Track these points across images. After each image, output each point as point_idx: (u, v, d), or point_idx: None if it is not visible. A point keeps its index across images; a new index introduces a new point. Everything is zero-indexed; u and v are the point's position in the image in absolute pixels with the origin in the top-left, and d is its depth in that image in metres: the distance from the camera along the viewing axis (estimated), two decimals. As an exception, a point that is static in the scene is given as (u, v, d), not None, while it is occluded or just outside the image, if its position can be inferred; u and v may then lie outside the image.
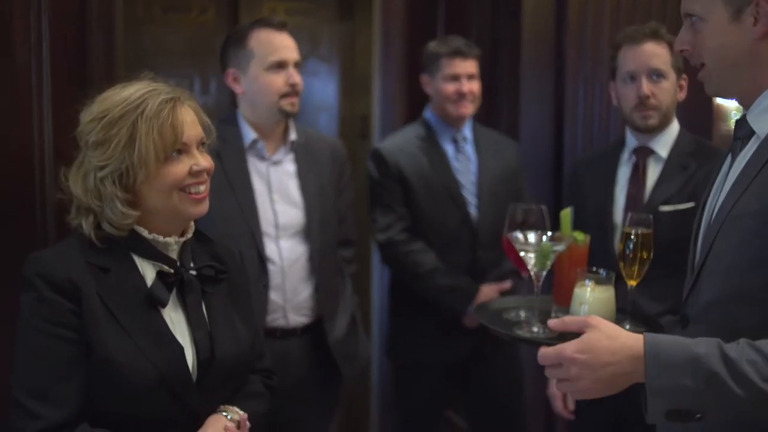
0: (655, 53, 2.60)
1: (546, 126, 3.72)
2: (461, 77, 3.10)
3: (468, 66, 3.12)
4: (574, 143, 3.66)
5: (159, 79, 1.83)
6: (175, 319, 1.77)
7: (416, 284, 3.10)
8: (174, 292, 1.78)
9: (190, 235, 1.85)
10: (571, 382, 1.49)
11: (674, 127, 2.69)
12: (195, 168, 1.77)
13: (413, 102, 3.97)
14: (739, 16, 1.57)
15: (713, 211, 1.66)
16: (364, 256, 4.19)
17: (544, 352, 1.52)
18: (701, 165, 2.59)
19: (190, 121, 1.78)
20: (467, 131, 3.21)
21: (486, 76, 3.21)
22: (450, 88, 3.11)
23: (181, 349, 1.72)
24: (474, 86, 3.14)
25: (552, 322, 1.57)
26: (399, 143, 3.18)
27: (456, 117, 3.14)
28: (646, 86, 2.58)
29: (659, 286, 2.38)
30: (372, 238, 3.33)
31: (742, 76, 1.61)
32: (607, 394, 1.51)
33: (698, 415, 1.42)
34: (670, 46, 2.61)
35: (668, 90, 2.62)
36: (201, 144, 1.81)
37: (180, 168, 1.75)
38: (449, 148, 3.18)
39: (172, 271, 1.78)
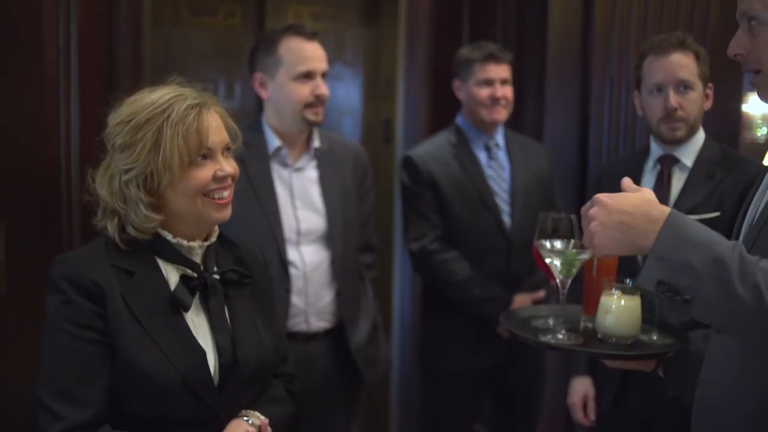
0: (683, 64, 2.56)
1: (571, 132, 3.70)
2: (495, 82, 3.09)
3: (501, 71, 3.11)
4: (599, 149, 3.64)
5: (186, 84, 1.84)
6: (197, 323, 1.77)
7: (450, 293, 3.09)
8: (197, 296, 1.78)
9: (214, 239, 1.86)
10: (588, 222, 1.54)
11: (700, 135, 2.66)
12: (219, 173, 1.77)
13: (437, 107, 3.97)
14: None
15: (754, 217, 1.63)
16: (386, 261, 4.19)
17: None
18: (727, 174, 2.56)
19: (216, 127, 1.78)
20: (499, 137, 3.20)
21: (512, 81, 3.19)
22: (483, 93, 3.09)
23: (203, 353, 1.73)
24: (507, 91, 3.12)
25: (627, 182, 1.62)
26: (431, 150, 3.16)
27: (489, 122, 3.12)
28: (673, 98, 2.55)
29: None
30: (403, 245, 3.32)
31: None
32: (614, 249, 1.51)
33: (687, 297, 1.41)
34: (697, 55, 2.59)
35: (695, 101, 2.59)
36: (226, 149, 1.82)
37: (204, 173, 1.76)
38: (482, 155, 3.16)
39: (195, 275, 1.78)
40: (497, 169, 3.15)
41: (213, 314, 1.80)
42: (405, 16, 4.10)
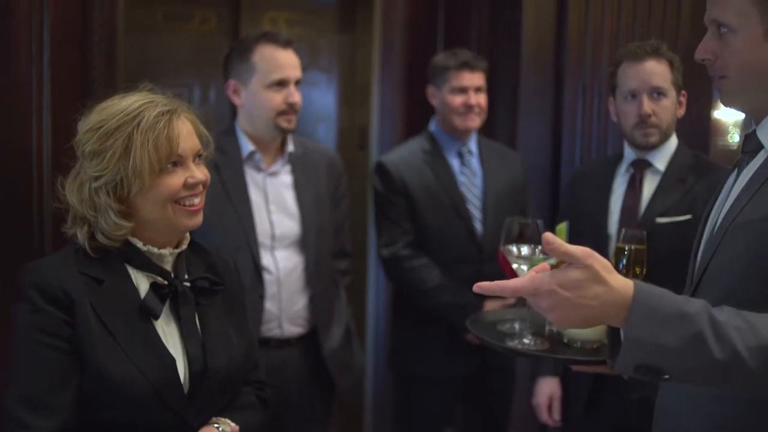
0: (657, 71, 2.61)
1: (544, 139, 3.73)
2: (469, 89, 3.11)
3: (476, 78, 3.13)
4: (572, 156, 3.68)
5: (158, 90, 1.84)
6: (168, 330, 1.77)
7: (420, 300, 3.10)
8: (167, 303, 1.78)
9: (185, 246, 1.86)
10: (544, 311, 1.38)
11: (673, 141, 2.70)
12: (190, 180, 1.77)
13: (412, 114, 3.99)
14: None
15: (716, 222, 1.66)
16: (360, 267, 4.20)
17: (518, 282, 1.39)
18: (699, 178, 2.61)
19: (187, 134, 1.78)
20: (473, 144, 3.22)
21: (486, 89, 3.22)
22: (457, 100, 3.11)
23: (172, 360, 1.73)
24: (481, 99, 3.14)
25: (547, 237, 1.37)
26: (404, 156, 3.18)
27: (462, 130, 3.14)
28: (647, 105, 2.59)
29: None
30: (376, 251, 3.33)
31: (762, 92, 1.60)
32: (575, 328, 1.42)
33: (666, 376, 1.36)
34: (671, 63, 2.63)
35: (669, 108, 2.63)
36: (198, 156, 1.82)
37: (175, 180, 1.76)
38: (454, 162, 3.18)
39: (165, 282, 1.78)
40: (469, 176, 3.17)
41: (183, 322, 1.79)
42: (380, 22, 4.11)
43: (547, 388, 2.84)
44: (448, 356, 3.10)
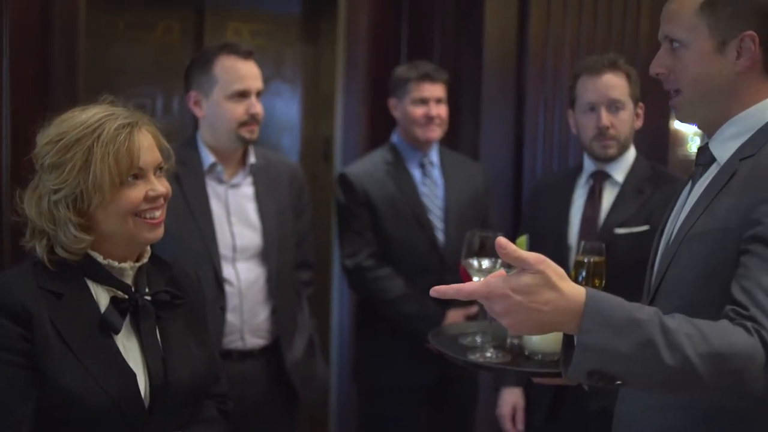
0: (614, 84, 2.66)
1: (506, 149, 3.77)
2: (430, 101, 3.13)
3: (436, 90, 3.15)
4: (533, 166, 3.72)
5: (119, 103, 1.83)
6: (128, 345, 1.76)
7: (383, 310, 3.12)
8: (128, 317, 1.77)
9: (145, 259, 1.84)
10: (497, 316, 1.40)
11: (631, 153, 2.75)
12: (151, 193, 1.76)
13: (376, 125, 4.00)
14: (723, 48, 1.60)
15: (671, 234, 1.69)
16: (324, 278, 4.19)
17: (472, 285, 1.41)
18: (657, 189, 2.67)
19: (147, 146, 1.77)
20: (434, 155, 3.24)
21: (448, 100, 3.24)
22: (418, 111, 3.13)
23: (132, 375, 1.71)
24: (442, 110, 3.17)
25: (502, 242, 1.39)
26: (366, 168, 3.20)
27: (424, 141, 3.16)
28: (605, 117, 2.64)
29: None
30: (340, 262, 3.34)
31: (714, 106, 1.64)
32: (530, 334, 1.45)
33: (619, 382, 1.38)
34: (628, 76, 2.68)
35: (626, 120, 2.68)
36: (159, 169, 1.81)
37: (136, 193, 1.75)
38: (416, 173, 3.20)
39: (126, 296, 1.77)
40: (431, 187, 3.19)
41: (144, 336, 1.78)
42: (344, 34, 4.13)
43: (511, 399, 2.87)
44: (412, 366, 3.11)
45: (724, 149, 1.64)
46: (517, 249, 1.37)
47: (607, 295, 1.41)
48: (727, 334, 1.38)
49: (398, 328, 3.09)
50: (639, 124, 2.75)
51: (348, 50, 4.12)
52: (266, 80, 4.05)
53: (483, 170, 3.38)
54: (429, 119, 3.12)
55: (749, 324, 1.39)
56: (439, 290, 1.45)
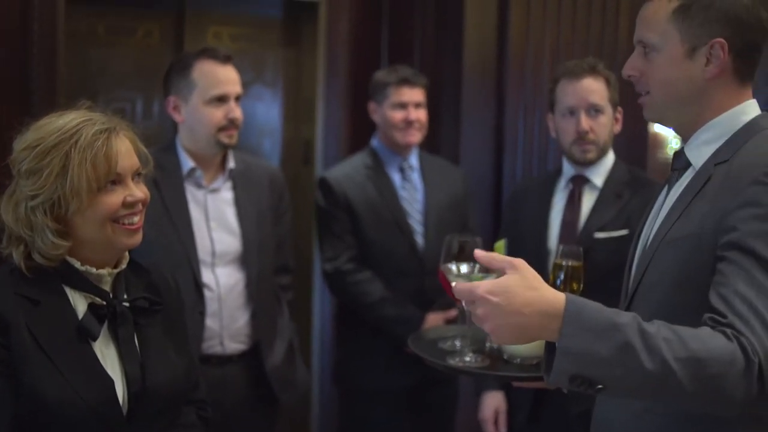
0: (594, 89, 2.67)
1: (486, 154, 3.79)
2: (408, 105, 3.14)
3: (415, 94, 3.17)
4: (513, 171, 3.74)
5: (97, 108, 1.82)
6: (106, 352, 1.75)
7: (363, 314, 3.12)
8: (106, 324, 1.76)
9: (124, 266, 1.84)
10: (478, 321, 1.44)
11: (610, 157, 2.77)
12: (129, 199, 1.76)
13: (357, 129, 4.01)
14: (693, 54, 1.63)
15: (648, 238, 1.71)
16: (305, 282, 4.20)
17: (459, 287, 1.45)
18: (635, 194, 2.69)
19: (125, 152, 1.77)
20: (414, 159, 3.25)
21: (428, 105, 3.26)
22: (398, 115, 3.14)
23: (110, 382, 1.71)
24: (421, 114, 3.18)
25: (479, 253, 1.47)
26: (346, 172, 3.20)
27: (403, 145, 3.17)
28: (585, 122, 2.65)
29: None
30: (319, 266, 3.34)
31: (684, 110, 1.67)
32: (512, 343, 1.49)
33: (600, 386, 1.40)
34: (608, 81, 2.70)
35: (606, 124, 2.70)
36: (137, 174, 1.81)
37: (114, 199, 1.74)
38: (396, 177, 3.21)
39: (104, 303, 1.76)
40: (411, 191, 3.20)
41: (122, 342, 1.77)
42: (325, 37, 4.13)
43: (493, 403, 2.87)
44: (392, 369, 3.12)
45: (699, 154, 1.66)
46: (496, 256, 1.41)
47: (586, 300, 1.43)
48: (706, 340, 1.40)
49: (378, 332, 3.10)
50: (618, 128, 2.77)
51: (329, 54, 4.13)
52: (247, 84, 4.04)
53: (462, 174, 3.40)
54: (408, 123, 3.14)
55: (728, 331, 1.41)
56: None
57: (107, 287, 1.79)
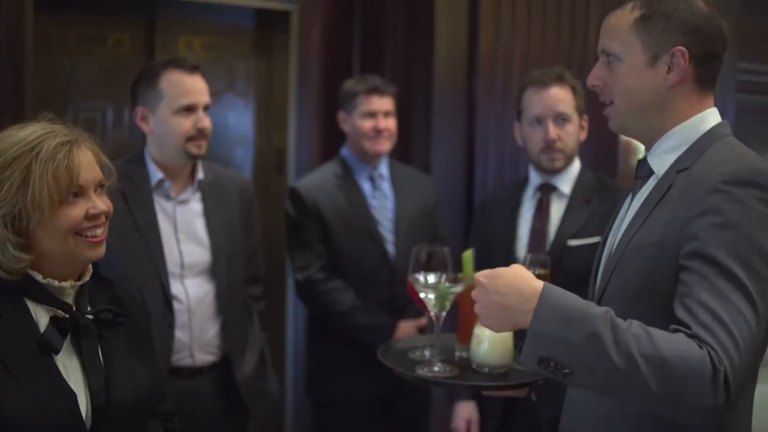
0: (561, 98, 2.70)
1: (458, 162, 3.80)
2: (378, 114, 3.15)
3: (384, 103, 3.17)
4: (484, 179, 3.75)
5: (58, 121, 1.81)
6: (69, 365, 1.73)
7: (335, 323, 3.12)
8: (69, 337, 1.74)
9: (87, 278, 1.82)
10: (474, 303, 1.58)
11: (576, 164, 2.80)
12: (92, 211, 1.75)
13: (329, 138, 4.01)
14: (654, 63, 1.65)
15: (613, 245, 1.73)
16: (278, 291, 4.18)
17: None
18: (603, 200, 2.71)
19: (87, 164, 1.76)
20: (384, 168, 3.25)
21: (399, 114, 3.26)
22: (367, 124, 3.14)
23: (73, 396, 1.69)
24: (390, 123, 3.18)
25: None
26: (316, 181, 3.20)
27: (373, 154, 3.18)
28: (552, 130, 2.68)
29: None
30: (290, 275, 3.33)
31: (647, 119, 1.69)
32: (500, 328, 1.56)
33: (567, 371, 1.45)
34: (574, 89, 2.72)
35: (572, 133, 2.72)
36: (100, 186, 1.79)
37: (76, 211, 1.73)
38: (366, 186, 3.21)
39: (66, 316, 1.75)
40: (381, 200, 3.21)
41: (85, 355, 1.75)
42: (296, 46, 4.13)
43: (465, 413, 2.88)
44: (364, 378, 3.12)
45: (661, 162, 1.68)
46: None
47: (564, 290, 1.50)
48: (677, 343, 1.42)
49: (350, 341, 3.09)
50: (584, 136, 2.80)
51: (300, 63, 4.13)
52: (219, 93, 4.03)
53: (433, 183, 3.41)
54: (378, 132, 3.14)
55: (695, 341, 1.42)
56: None
57: (70, 300, 1.78)
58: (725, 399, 1.41)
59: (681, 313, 1.47)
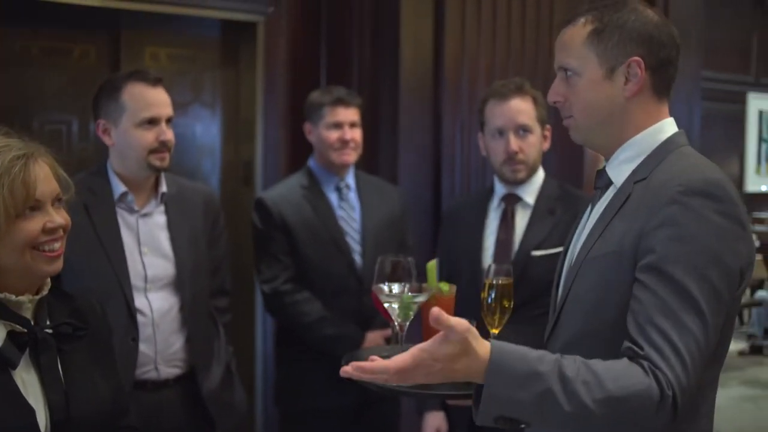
0: (522, 109, 2.71)
1: (425, 172, 3.82)
2: (344, 125, 3.15)
3: (350, 114, 3.18)
4: (452, 189, 3.77)
5: (14, 135, 1.79)
6: (27, 380, 1.72)
7: (303, 334, 3.11)
8: (27, 352, 1.73)
9: (45, 292, 1.81)
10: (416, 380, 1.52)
11: (539, 174, 2.82)
12: (49, 225, 1.74)
13: (297, 149, 4.01)
14: (611, 75, 1.66)
15: (573, 255, 1.74)
16: (247, 303, 4.17)
17: (401, 362, 1.49)
18: (566, 210, 2.73)
19: (44, 177, 1.75)
20: (350, 179, 3.26)
21: (366, 123, 3.27)
22: (333, 135, 3.15)
23: (31, 412, 1.67)
24: (356, 134, 3.19)
25: (435, 313, 1.46)
26: (282, 192, 3.20)
27: (339, 165, 3.18)
28: (514, 142, 2.69)
29: (535, 327, 2.48)
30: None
31: (607, 131, 1.70)
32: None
33: (523, 425, 1.48)
34: (535, 100, 2.74)
35: (535, 144, 2.74)
36: (57, 200, 1.78)
37: (33, 225, 1.72)
38: (333, 196, 3.21)
39: (24, 330, 1.73)
40: (348, 210, 3.21)
41: (44, 370, 1.74)
42: (263, 58, 4.13)
43: (435, 422, 2.88)
44: (332, 388, 3.08)
45: (619, 172, 1.69)
46: (448, 319, 1.44)
47: (511, 348, 1.48)
48: (623, 377, 1.44)
49: (317, 351, 3.09)
50: (547, 146, 2.82)
51: (267, 74, 4.13)
52: (185, 105, 4.01)
53: (400, 192, 3.42)
54: (344, 143, 3.15)
55: (645, 364, 1.45)
56: (361, 368, 1.56)
57: (28, 314, 1.76)
58: (672, 417, 1.45)
59: (633, 332, 1.49)
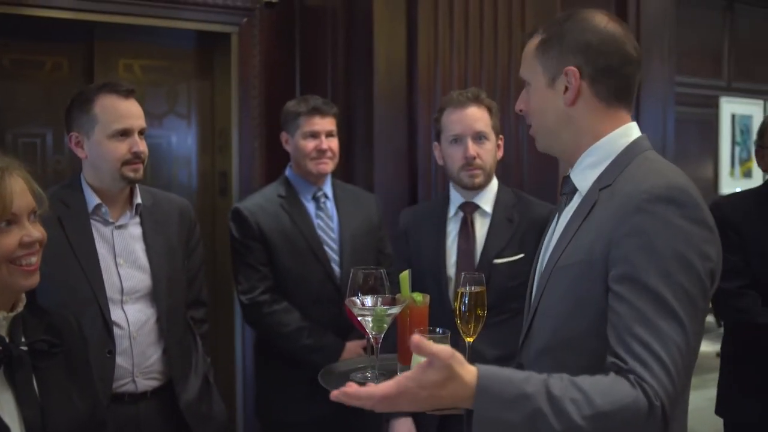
0: (478, 117, 2.78)
1: (400, 180, 3.83)
2: (320, 134, 3.17)
3: (326, 123, 3.19)
4: (427, 196, 3.78)
5: (-9, 148, 1.80)
6: (2, 398, 1.72)
7: (281, 344, 3.12)
8: (2, 369, 1.72)
9: (20, 308, 1.81)
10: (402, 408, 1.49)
11: (494, 182, 2.88)
12: (26, 239, 1.74)
13: (272, 158, 4.02)
14: (553, 83, 1.72)
15: (543, 263, 1.76)
16: (227, 314, 4.16)
17: (384, 389, 1.47)
18: (523, 216, 2.80)
19: (20, 191, 1.75)
20: (327, 188, 3.27)
21: (341, 133, 3.29)
22: (309, 145, 3.16)
23: (6, 429, 1.67)
24: (333, 143, 3.20)
25: (415, 340, 1.46)
26: (259, 202, 3.20)
27: (316, 174, 3.19)
28: (472, 148, 2.76)
29: (499, 332, 2.51)
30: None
31: (560, 138, 1.75)
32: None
33: None
34: (490, 109, 2.83)
35: (490, 151, 2.81)
36: (32, 214, 1.78)
37: (9, 240, 1.72)
38: (310, 206, 3.23)
39: (-1, 348, 1.73)
40: (326, 219, 3.22)
41: (19, 388, 1.74)
42: (237, 68, 4.14)
43: (403, 429, 2.89)
44: (311, 399, 3.10)
45: (583, 179, 1.72)
46: (431, 346, 1.43)
47: (497, 372, 1.48)
48: (610, 391, 1.45)
49: (296, 362, 3.09)
50: (500, 154, 2.89)
51: (242, 84, 4.13)
52: (160, 116, 4.00)
53: (376, 201, 3.43)
54: (320, 152, 3.16)
55: (631, 377, 1.46)
56: (347, 394, 1.53)
57: (3, 331, 1.76)
58: (663, 426, 1.46)
59: (616, 346, 1.50)
